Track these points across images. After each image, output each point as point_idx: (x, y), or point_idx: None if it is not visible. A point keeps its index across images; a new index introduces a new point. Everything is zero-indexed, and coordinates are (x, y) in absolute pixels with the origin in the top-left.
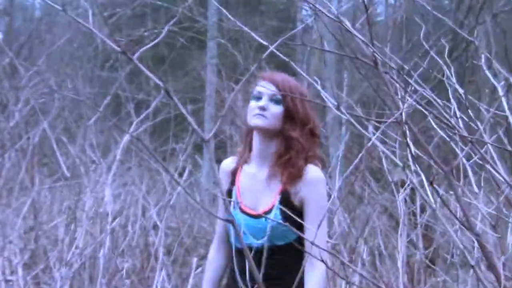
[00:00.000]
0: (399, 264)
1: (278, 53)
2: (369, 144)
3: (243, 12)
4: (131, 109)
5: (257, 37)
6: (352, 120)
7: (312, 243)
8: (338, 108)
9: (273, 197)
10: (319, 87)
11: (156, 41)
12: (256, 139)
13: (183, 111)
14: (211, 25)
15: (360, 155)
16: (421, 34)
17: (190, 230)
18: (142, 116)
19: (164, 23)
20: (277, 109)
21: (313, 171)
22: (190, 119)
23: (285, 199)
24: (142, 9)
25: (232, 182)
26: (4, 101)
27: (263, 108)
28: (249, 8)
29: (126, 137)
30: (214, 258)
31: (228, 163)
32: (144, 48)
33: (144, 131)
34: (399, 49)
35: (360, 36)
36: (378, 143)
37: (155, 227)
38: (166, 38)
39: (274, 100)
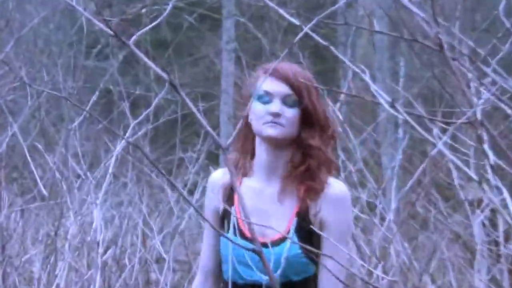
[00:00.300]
0: None
1: (314, 35)
2: (434, 151)
3: None
4: (126, 108)
5: (286, 15)
6: (411, 121)
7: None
8: (392, 105)
9: (287, 219)
10: (367, 79)
11: (158, 20)
12: (262, 148)
13: (194, 110)
14: None
15: (423, 166)
16: (500, 8)
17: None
18: (140, 117)
19: None
20: (293, 113)
21: (337, 186)
22: (202, 120)
23: (304, 222)
24: None
25: (229, 201)
26: None
27: (277, 115)
28: None
29: (120, 144)
30: None
31: (221, 176)
32: (143, 30)
33: (143, 136)
34: (472, 28)
35: (420, 12)
36: (446, 151)
37: (159, 260)
38: (170, 16)
39: (288, 102)
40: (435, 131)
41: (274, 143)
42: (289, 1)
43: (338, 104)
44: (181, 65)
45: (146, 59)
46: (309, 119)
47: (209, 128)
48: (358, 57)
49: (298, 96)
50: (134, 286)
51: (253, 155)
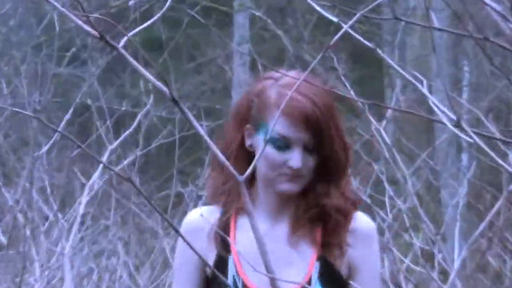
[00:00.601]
0: None
1: (353, 33)
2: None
3: None
4: (108, 128)
5: (317, 7)
6: (481, 144)
7: None
8: (458, 124)
9: (306, 266)
10: (423, 89)
11: (156, 17)
12: (268, 192)
13: (200, 130)
14: None
15: (498, 204)
16: None
17: None
18: (121, 139)
19: None
20: (313, 162)
21: (364, 221)
22: (211, 143)
23: (327, 267)
24: None
25: (224, 247)
26: None
27: (299, 170)
28: None
29: (97, 174)
30: None
31: (199, 219)
32: (136, 29)
33: (130, 165)
34: None
35: (492, 4)
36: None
37: None
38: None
39: (309, 148)
40: None
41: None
42: None
43: (383, 122)
44: (180, 72)
45: (138, 66)
46: (326, 169)
47: (219, 153)
48: (408, 61)
49: (319, 141)
50: None
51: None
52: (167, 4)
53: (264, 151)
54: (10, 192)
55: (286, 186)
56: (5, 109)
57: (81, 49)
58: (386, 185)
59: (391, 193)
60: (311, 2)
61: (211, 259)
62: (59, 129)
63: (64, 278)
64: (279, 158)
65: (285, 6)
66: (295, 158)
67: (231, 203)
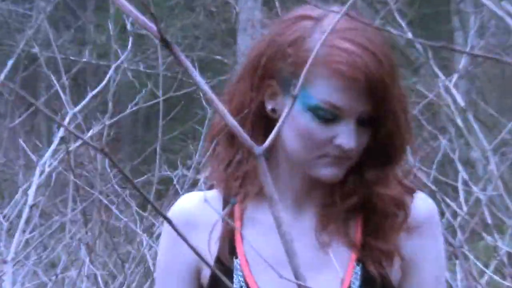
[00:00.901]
0: None
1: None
2: None
3: None
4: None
5: None
6: None
7: None
8: None
9: (344, 268)
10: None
11: None
12: (293, 172)
13: (202, 84)
14: None
15: None
16: None
17: None
18: (84, 102)
19: None
20: (366, 137)
21: (422, 203)
22: (218, 103)
23: (373, 273)
24: None
25: (230, 250)
26: None
27: (350, 151)
28: None
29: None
30: None
31: (194, 206)
32: None
33: (95, 138)
34: None
35: None
36: None
37: None
38: None
39: (364, 119)
40: None
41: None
42: None
43: (453, 78)
44: (166, 9)
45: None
46: (382, 147)
47: (228, 116)
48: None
49: (381, 113)
50: None
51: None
52: None
53: (302, 123)
54: None
55: (329, 172)
56: None
57: None
58: (458, 165)
59: (465, 177)
60: None
61: (214, 259)
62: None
63: None
64: (323, 134)
65: None
66: (346, 135)
67: (240, 187)
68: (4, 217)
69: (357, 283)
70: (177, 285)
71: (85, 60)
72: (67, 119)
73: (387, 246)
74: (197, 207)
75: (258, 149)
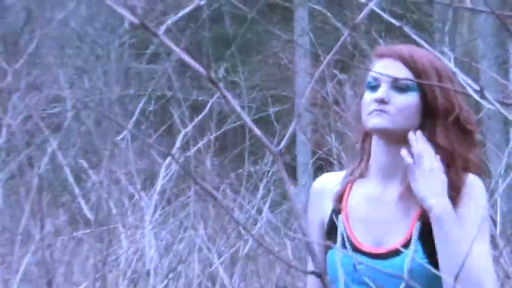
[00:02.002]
0: None
1: (380, 11)
2: None
3: None
4: (184, 116)
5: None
6: (504, 112)
7: None
8: (481, 93)
9: (408, 226)
10: (451, 65)
11: (196, 4)
12: (377, 149)
13: (239, 110)
14: None
15: None
16: None
17: None
18: (194, 123)
19: None
20: (406, 100)
21: (474, 182)
22: (251, 124)
23: (429, 226)
24: None
25: (336, 210)
26: None
27: (382, 101)
28: None
29: (168, 159)
30: None
31: (327, 181)
32: (176, 17)
33: (206, 147)
34: None
35: None
36: None
37: None
38: (232, 7)
39: (399, 87)
40: None
41: (386, 137)
42: None
43: None
44: (248, 64)
45: (177, 50)
46: (430, 109)
47: (258, 132)
48: (458, 46)
49: (416, 79)
50: None
51: (369, 157)
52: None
53: (362, 100)
54: (98, 173)
55: (373, 121)
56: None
57: (159, 46)
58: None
59: None
60: None
61: (328, 217)
62: (135, 117)
63: (146, 250)
64: (369, 97)
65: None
66: (379, 91)
67: (354, 170)
68: (148, 198)
69: (416, 235)
70: (313, 228)
71: (201, 98)
72: (180, 137)
73: (452, 183)
74: (328, 183)
75: (276, 150)
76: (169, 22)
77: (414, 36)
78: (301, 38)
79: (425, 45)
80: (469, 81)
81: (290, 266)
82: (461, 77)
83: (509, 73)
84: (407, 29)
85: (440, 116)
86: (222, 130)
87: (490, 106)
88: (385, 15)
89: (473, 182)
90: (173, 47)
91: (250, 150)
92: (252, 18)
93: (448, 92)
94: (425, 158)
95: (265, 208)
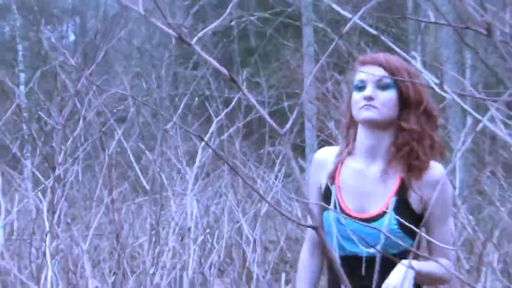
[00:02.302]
0: None
1: (363, 24)
2: (480, 127)
3: None
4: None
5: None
6: (458, 100)
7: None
8: (441, 86)
9: (386, 199)
10: (417, 65)
11: (217, 23)
12: (363, 134)
13: (254, 103)
14: (306, 7)
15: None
16: None
17: (294, 244)
18: (220, 116)
19: (254, 10)
20: (388, 96)
21: (438, 168)
22: (263, 112)
23: (402, 200)
24: None
25: (331, 179)
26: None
27: (370, 98)
28: None
29: (203, 144)
30: (309, 261)
31: (325, 154)
32: (205, 29)
33: (236, 132)
34: None
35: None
36: (492, 127)
37: (250, 241)
38: (256, 26)
39: (381, 86)
40: (493, 111)
41: (372, 126)
42: (363, 5)
43: None
44: (267, 69)
45: (206, 57)
46: (405, 101)
47: (267, 117)
48: (427, 53)
49: (392, 79)
50: (229, 263)
51: (355, 139)
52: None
53: (352, 97)
54: (152, 154)
55: (363, 114)
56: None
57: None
58: None
59: None
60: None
61: (324, 185)
62: (180, 110)
63: (189, 212)
64: (358, 96)
65: (339, 19)
66: (367, 90)
67: (343, 150)
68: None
69: (392, 205)
70: (312, 192)
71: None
72: (213, 125)
73: (420, 165)
74: (326, 155)
75: (282, 131)
76: (200, 34)
77: (391, 44)
78: (307, 49)
79: (400, 51)
80: (433, 78)
81: (298, 223)
82: (427, 75)
83: (466, 73)
84: (383, 38)
85: (412, 106)
86: (248, 119)
87: (448, 96)
88: (368, 27)
89: (437, 173)
90: (203, 54)
91: (269, 135)
92: (270, 34)
93: (417, 87)
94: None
95: (279, 179)
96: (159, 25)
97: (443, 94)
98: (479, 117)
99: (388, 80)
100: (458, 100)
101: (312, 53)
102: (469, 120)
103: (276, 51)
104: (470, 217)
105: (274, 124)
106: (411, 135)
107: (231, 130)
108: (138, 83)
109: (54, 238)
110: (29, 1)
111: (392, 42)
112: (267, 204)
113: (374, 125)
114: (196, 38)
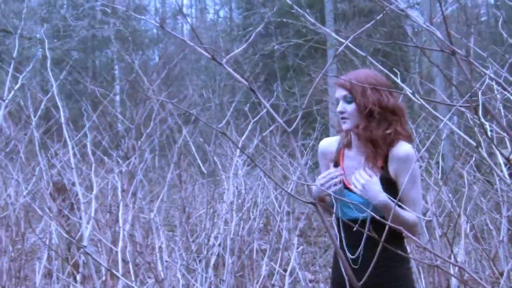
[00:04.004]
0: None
1: (354, 47)
2: (441, 126)
3: (358, 21)
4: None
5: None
6: (425, 104)
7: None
8: (413, 94)
9: (375, 173)
10: (396, 79)
11: (246, 45)
12: (352, 136)
13: (268, 107)
14: (329, 35)
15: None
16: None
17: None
18: (256, 118)
19: (291, 37)
20: (351, 107)
21: (400, 148)
22: (273, 113)
23: (385, 173)
24: (270, 27)
25: (336, 163)
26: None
27: (341, 112)
28: (364, 18)
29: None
30: None
31: (329, 143)
32: (235, 52)
33: (275, 129)
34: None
35: (437, 31)
36: (449, 124)
37: (288, 213)
38: (293, 48)
39: (347, 101)
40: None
41: (352, 132)
42: (373, 34)
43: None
44: (300, 82)
45: (234, 74)
46: (363, 108)
47: (276, 115)
48: (424, 69)
49: (351, 93)
50: (269, 230)
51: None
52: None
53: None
54: (214, 146)
55: (343, 126)
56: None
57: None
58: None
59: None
60: (354, 49)
61: (331, 166)
62: (229, 113)
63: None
64: (337, 109)
65: (355, 43)
66: (339, 106)
67: (343, 140)
68: (241, 159)
69: (378, 178)
70: (322, 166)
71: (275, 102)
72: (251, 124)
73: (378, 150)
74: (328, 144)
75: (289, 130)
76: (228, 57)
77: (377, 65)
78: (331, 66)
79: (382, 69)
80: (406, 88)
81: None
82: (404, 87)
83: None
84: (369, 57)
85: (368, 112)
86: (285, 119)
87: (418, 102)
88: (358, 50)
89: (401, 149)
90: (231, 71)
91: (302, 131)
92: (302, 55)
93: (373, 95)
94: (360, 180)
95: (304, 167)
96: (198, 48)
97: (415, 100)
98: (441, 117)
99: (350, 96)
100: (425, 104)
101: (334, 70)
102: (456, 119)
103: (306, 68)
104: (450, 195)
105: (284, 125)
106: (375, 129)
107: (272, 127)
108: (200, 92)
109: (128, 209)
110: (124, 33)
111: (397, 59)
112: (295, 184)
113: (352, 132)
114: (225, 59)
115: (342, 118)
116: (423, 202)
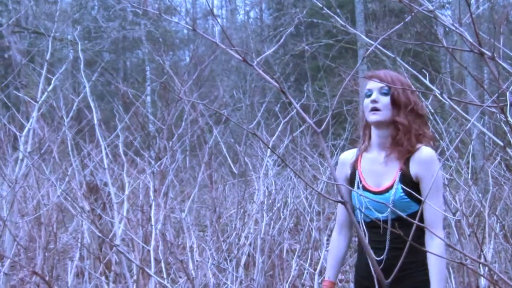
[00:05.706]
0: None
1: (381, 48)
2: (468, 125)
3: (389, 21)
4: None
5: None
6: (453, 105)
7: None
8: (441, 95)
9: (393, 175)
10: (425, 80)
11: (276, 46)
12: (374, 132)
13: (297, 107)
14: (359, 35)
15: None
16: None
17: None
18: (287, 118)
19: (321, 38)
20: (386, 99)
21: (424, 151)
22: (302, 112)
23: (405, 176)
24: (301, 28)
25: (354, 169)
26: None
27: (375, 101)
28: (394, 18)
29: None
30: (337, 239)
31: (347, 155)
32: (264, 54)
33: (306, 130)
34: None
35: (466, 34)
36: (477, 124)
37: (318, 212)
38: (323, 49)
39: (382, 92)
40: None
41: (379, 126)
42: (404, 34)
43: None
44: (331, 82)
45: (264, 75)
46: (396, 102)
47: (305, 116)
48: (454, 69)
49: (388, 87)
50: (299, 230)
51: (370, 137)
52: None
53: (364, 102)
54: (243, 147)
55: (371, 117)
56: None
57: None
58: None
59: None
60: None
61: (349, 173)
62: (260, 113)
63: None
64: (367, 101)
65: (385, 44)
66: (373, 96)
67: (361, 148)
68: (271, 159)
69: (397, 180)
70: (341, 180)
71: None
72: (281, 125)
73: (403, 149)
74: (347, 154)
75: (319, 130)
76: (261, 56)
77: (405, 65)
78: (362, 66)
79: (411, 70)
80: (434, 88)
81: (330, 199)
82: (432, 87)
83: (484, 84)
84: (397, 58)
85: (402, 107)
86: (315, 119)
87: (446, 102)
88: (387, 52)
89: (423, 154)
90: (261, 72)
91: (332, 132)
92: (332, 55)
93: (407, 94)
94: None
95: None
96: (229, 50)
97: (444, 100)
98: (469, 118)
99: (386, 88)
100: (453, 104)
101: (365, 70)
102: (487, 119)
103: (337, 69)
104: (480, 194)
105: (313, 124)
106: (399, 128)
107: (302, 127)
108: (231, 93)
109: (159, 209)
110: (155, 34)
111: (427, 60)
112: (325, 184)
113: (379, 124)
114: (256, 61)
115: (373, 109)
116: (445, 207)
